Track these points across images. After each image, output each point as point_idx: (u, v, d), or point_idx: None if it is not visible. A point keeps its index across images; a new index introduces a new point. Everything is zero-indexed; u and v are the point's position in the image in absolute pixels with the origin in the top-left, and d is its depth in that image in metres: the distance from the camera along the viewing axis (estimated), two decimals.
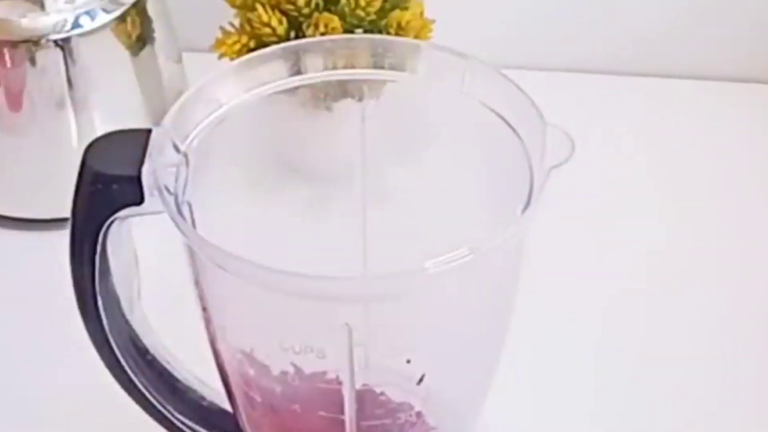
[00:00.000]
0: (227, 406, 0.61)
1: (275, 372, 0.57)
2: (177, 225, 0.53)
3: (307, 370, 0.56)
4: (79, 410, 0.68)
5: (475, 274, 0.52)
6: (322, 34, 0.74)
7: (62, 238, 0.57)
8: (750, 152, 0.86)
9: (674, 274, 0.77)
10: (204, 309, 0.57)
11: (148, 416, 0.62)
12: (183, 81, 0.86)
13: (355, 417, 0.57)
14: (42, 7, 0.77)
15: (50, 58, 0.77)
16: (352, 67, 0.59)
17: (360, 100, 0.61)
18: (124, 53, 0.80)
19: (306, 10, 0.76)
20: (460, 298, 0.54)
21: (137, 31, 0.80)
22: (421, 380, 0.57)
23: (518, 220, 0.52)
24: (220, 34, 0.78)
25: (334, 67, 0.59)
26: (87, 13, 0.78)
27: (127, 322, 0.59)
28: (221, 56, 0.77)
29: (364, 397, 0.57)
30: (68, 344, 0.62)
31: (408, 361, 0.56)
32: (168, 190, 0.53)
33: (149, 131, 0.55)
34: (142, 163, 0.54)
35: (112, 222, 0.55)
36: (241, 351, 0.58)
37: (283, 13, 0.76)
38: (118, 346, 0.59)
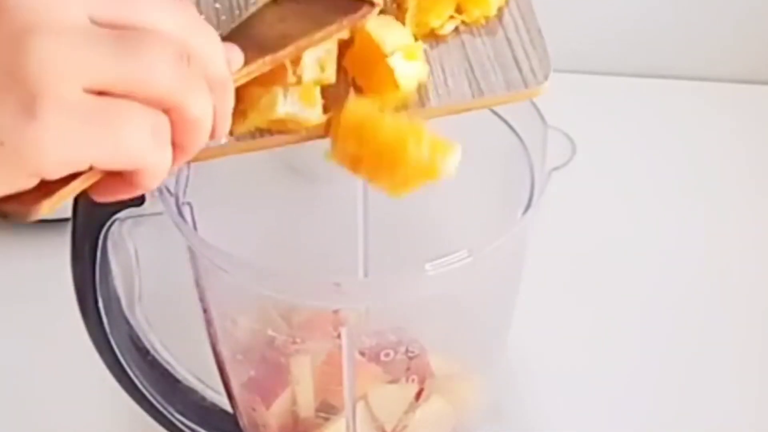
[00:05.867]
0: (227, 407, 0.61)
1: None
2: (177, 226, 0.53)
3: None
4: (80, 410, 0.68)
5: (475, 275, 0.52)
6: None
7: (62, 238, 0.57)
8: (750, 152, 0.86)
9: (675, 273, 0.77)
10: (205, 310, 0.57)
11: (149, 416, 0.62)
12: None
13: (352, 418, 0.57)
14: None
15: None
16: None
17: None
18: None
19: None
20: (461, 300, 0.54)
21: None
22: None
23: (519, 221, 0.52)
24: None
25: None
26: None
27: (127, 322, 0.59)
28: None
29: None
30: (68, 344, 0.62)
31: (407, 369, 0.56)
32: (168, 191, 0.53)
33: None
34: None
35: (112, 223, 0.55)
36: (241, 351, 0.58)
37: None
38: (118, 346, 0.59)
